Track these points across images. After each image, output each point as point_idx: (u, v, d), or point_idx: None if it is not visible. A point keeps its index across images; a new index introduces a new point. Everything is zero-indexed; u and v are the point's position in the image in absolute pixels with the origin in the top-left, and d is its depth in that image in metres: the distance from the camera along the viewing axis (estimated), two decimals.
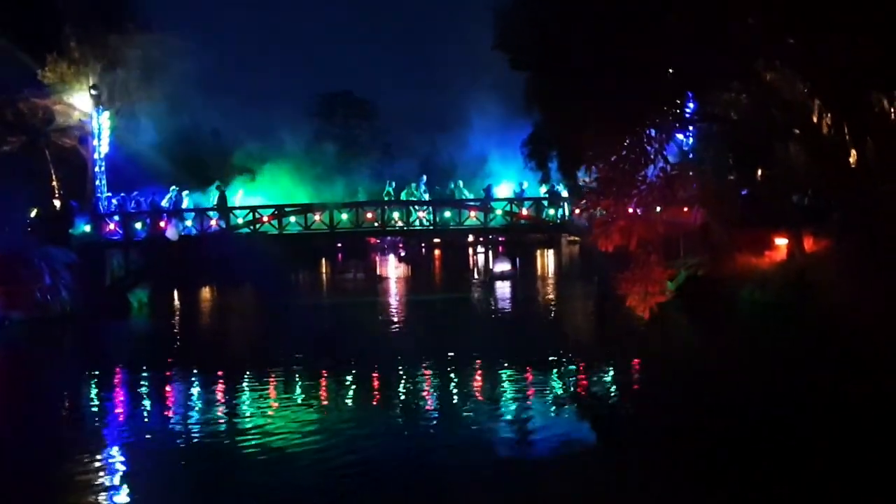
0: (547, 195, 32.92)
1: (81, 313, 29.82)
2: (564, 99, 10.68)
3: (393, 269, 65.04)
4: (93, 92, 34.01)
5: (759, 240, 29.39)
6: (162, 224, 31.79)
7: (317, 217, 31.99)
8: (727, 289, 28.75)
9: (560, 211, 32.67)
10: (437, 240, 78.67)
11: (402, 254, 71.91)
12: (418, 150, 66.50)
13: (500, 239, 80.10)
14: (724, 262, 29.59)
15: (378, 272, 62.65)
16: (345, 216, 32.26)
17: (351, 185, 43.62)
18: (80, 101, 36.20)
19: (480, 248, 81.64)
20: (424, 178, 34.90)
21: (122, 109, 37.11)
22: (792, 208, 28.63)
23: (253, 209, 32.16)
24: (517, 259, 73.42)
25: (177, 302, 37.90)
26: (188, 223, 32.05)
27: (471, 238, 78.01)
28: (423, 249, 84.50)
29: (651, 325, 28.05)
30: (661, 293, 10.04)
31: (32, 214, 33.65)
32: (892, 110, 24.65)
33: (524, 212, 32.55)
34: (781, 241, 29.21)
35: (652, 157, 11.23)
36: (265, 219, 31.93)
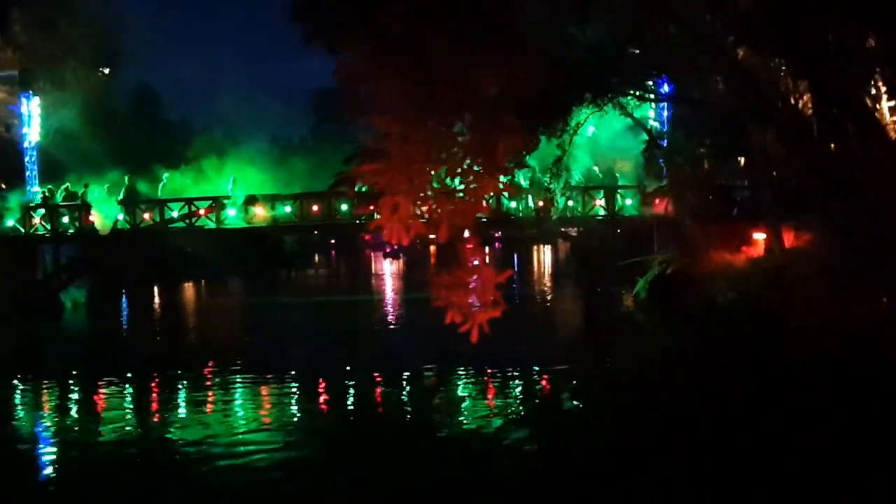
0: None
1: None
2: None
3: (376, 266, 62.82)
4: (17, 75, 31.77)
5: (735, 234, 26.82)
6: (91, 218, 29.39)
7: (257, 210, 29.49)
8: (698, 288, 26.19)
9: (522, 203, 30.06)
10: (432, 236, 76.45)
11: (387, 250, 69.49)
12: None
13: (496, 235, 78.10)
14: (697, 258, 26.95)
15: (345, 269, 60.60)
16: (288, 209, 29.75)
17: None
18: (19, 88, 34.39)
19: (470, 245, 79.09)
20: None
21: (65, 95, 35.21)
22: (771, 200, 25.92)
23: (189, 201, 29.71)
24: (514, 255, 72.36)
25: (119, 302, 35.57)
26: (119, 217, 29.63)
27: (466, 234, 75.83)
28: (419, 245, 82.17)
29: (598, 329, 26.03)
30: (494, 306, 7.22)
31: None
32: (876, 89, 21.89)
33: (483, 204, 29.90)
34: (759, 236, 26.59)
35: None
36: (202, 212, 29.46)
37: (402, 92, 6.75)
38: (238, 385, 17.78)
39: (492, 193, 7.20)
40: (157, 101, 53.99)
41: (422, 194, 6.66)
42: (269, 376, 18.23)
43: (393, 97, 6.77)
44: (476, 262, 8.66)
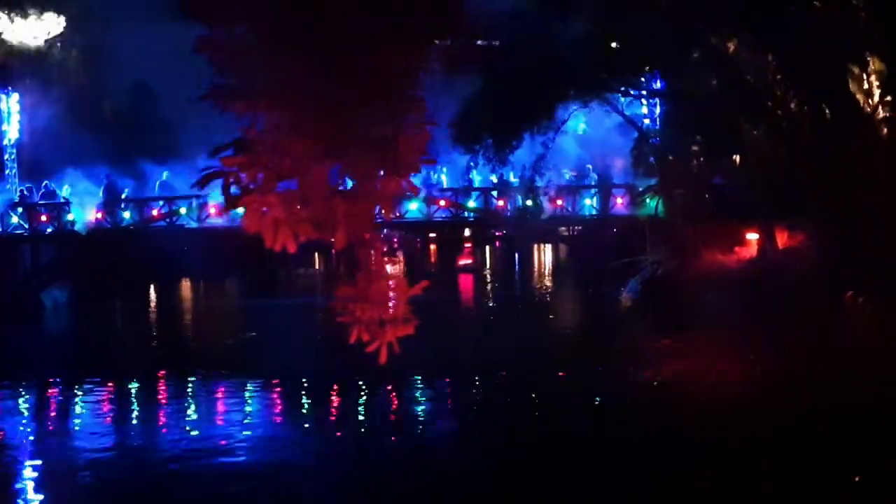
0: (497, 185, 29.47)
1: None
2: None
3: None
4: None
5: (727, 235, 26.07)
6: (69, 216, 28.80)
7: (240, 208, 28.74)
8: (689, 290, 25.37)
9: (512, 202, 29.34)
10: (432, 234, 76.27)
11: (385, 249, 69.25)
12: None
13: (497, 234, 77.59)
14: (689, 259, 26.18)
15: (344, 268, 59.76)
16: None
17: None
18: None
19: (468, 244, 78.89)
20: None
21: (49, 91, 34.74)
22: (764, 199, 25.11)
23: (169, 200, 29.09)
24: (516, 254, 71.63)
25: (101, 302, 34.74)
26: (99, 215, 29.02)
27: (468, 232, 75.75)
28: (419, 245, 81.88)
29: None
30: (405, 322, 6.14)
31: None
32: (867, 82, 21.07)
33: (442, 202, 28.98)
34: (752, 237, 25.84)
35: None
36: (183, 211, 28.85)
37: (290, 75, 5.65)
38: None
39: (394, 195, 6.30)
40: (155, 99, 53.28)
41: (305, 194, 5.72)
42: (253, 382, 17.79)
43: (276, 80, 5.66)
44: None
